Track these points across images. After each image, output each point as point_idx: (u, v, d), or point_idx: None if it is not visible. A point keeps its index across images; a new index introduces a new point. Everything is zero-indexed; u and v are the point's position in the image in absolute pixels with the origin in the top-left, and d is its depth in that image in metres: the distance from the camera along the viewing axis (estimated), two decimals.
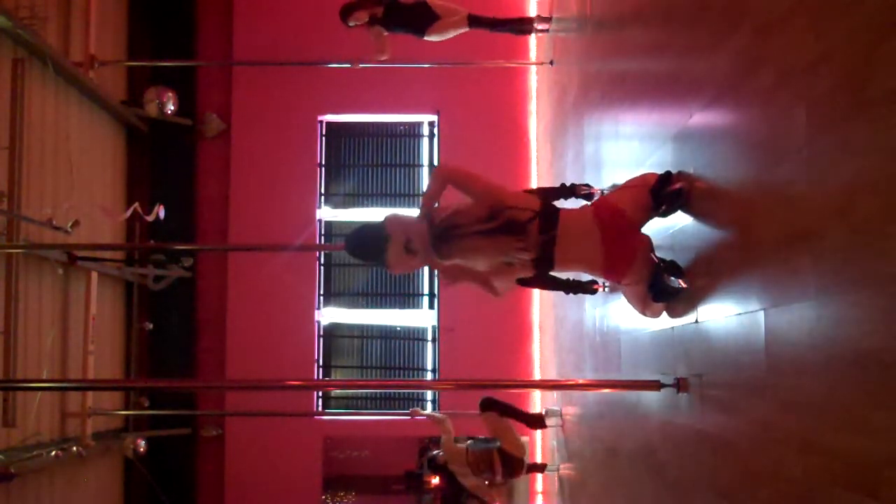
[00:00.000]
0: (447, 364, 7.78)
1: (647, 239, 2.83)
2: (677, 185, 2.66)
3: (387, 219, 2.99)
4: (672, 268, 2.66)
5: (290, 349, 7.83)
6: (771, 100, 2.02)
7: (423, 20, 6.16)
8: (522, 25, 6.66)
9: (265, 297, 7.82)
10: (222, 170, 8.08)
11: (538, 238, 2.80)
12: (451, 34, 6.29)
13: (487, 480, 5.97)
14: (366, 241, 3.07)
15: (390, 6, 6.14)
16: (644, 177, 2.87)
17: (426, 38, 6.25)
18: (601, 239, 2.76)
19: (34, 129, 5.85)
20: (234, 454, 7.77)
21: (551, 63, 6.62)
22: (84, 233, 6.35)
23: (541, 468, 6.63)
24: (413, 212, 3.07)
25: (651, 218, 2.83)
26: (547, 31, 6.64)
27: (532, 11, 7.51)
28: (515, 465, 5.91)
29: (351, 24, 6.26)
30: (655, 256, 2.80)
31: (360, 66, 6.77)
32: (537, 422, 6.41)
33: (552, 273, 3.09)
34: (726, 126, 2.36)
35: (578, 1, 5.21)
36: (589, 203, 3.06)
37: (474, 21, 6.26)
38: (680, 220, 2.72)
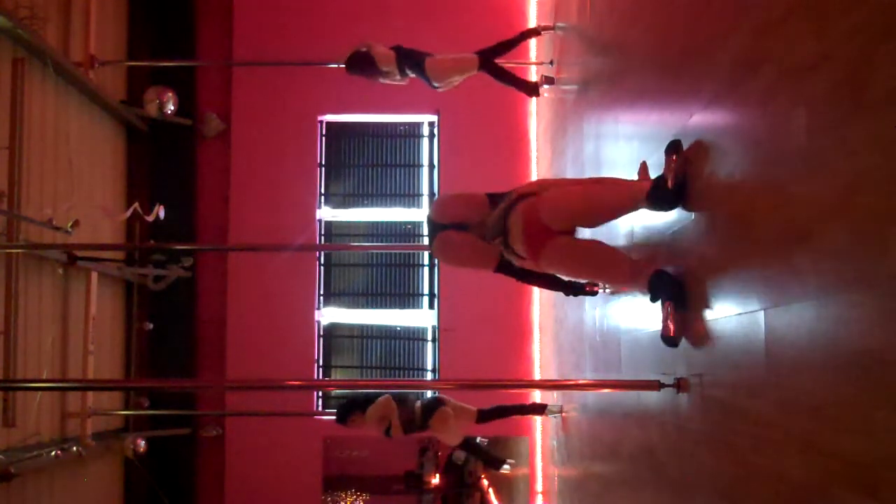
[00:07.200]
0: (447, 364, 7.78)
1: (562, 239, 3.04)
2: (672, 180, 2.65)
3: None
4: (679, 298, 2.66)
5: (290, 349, 7.82)
6: (771, 100, 2.02)
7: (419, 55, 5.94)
8: (528, 86, 6.53)
9: (265, 297, 7.82)
10: (222, 170, 8.08)
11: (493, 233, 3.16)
12: (456, 76, 6.00)
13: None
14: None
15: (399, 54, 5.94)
16: (632, 188, 2.89)
17: (433, 83, 5.97)
18: (522, 229, 3.05)
19: (34, 129, 5.85)
20: (234, 454, 7.76)
21: (551, 63, 6.62)
22: (84, 233, 6.35)
23: (540, 409, 6.45)
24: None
25: (579, 226, 3.13)
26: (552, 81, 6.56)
27: (531, 24, 7.51)
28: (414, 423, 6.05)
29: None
30: (660, 271, 2.82)
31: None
32: (538, 410, 6.39)
33: (552, 273, 3.31)
34: (726, 126, 2.36)
35: (579, 1, 5.21)
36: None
37: (485, 62, 6.01)
38: (680, 220, 2.72)
